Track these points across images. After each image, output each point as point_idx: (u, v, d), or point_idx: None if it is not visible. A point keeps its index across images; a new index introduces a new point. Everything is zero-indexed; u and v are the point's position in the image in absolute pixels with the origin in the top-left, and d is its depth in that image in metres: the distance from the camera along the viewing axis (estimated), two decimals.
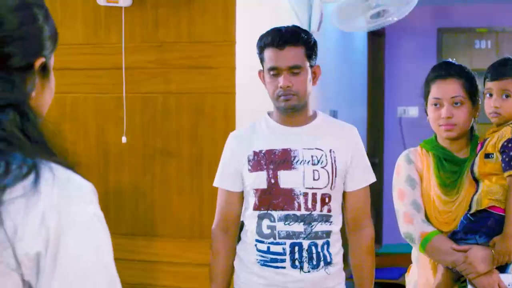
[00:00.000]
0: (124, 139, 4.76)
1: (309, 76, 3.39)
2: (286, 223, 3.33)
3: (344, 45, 7.97)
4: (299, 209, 3.34)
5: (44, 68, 1.57)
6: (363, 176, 3.51)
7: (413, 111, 9.41)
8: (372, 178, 3.56)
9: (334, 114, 6.94)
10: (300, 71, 3.35)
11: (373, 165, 3.82)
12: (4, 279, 1.32)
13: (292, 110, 3.40)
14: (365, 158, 3.54)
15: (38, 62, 1.55)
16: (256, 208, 3.41)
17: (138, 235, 4.84)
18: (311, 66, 3.41)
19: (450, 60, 3.59)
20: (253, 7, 4.90)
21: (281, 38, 3.34)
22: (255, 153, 3.43)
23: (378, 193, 9.01)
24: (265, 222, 3.38)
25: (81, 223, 1.45)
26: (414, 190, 3.46)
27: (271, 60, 3.35)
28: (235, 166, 3.48)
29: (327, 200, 3.38)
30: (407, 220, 3.42)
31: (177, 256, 4.76)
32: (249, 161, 3.43)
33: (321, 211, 3.37)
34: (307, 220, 3.35)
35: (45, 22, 1.57)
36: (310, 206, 3.35)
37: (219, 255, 3.57)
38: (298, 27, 3.47)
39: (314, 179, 3.35)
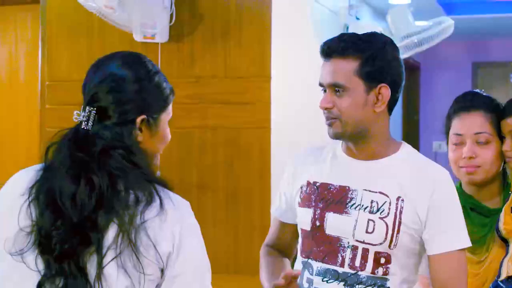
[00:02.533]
0: (158, 174, 4.77)
1: (363, 99, 2.52)
2: (324, 279, 2.57)
3: None
4: (342, 265, 2.55)
5: (148, 122, 2.07)
6: (446, 237, 2.54)
7: None
8: (463, 243, 2.54)
9: None
10: (342, 90, 2.52)
11: None
12: (149, 269, 1.93)
13: (341, 139, 2.62)
14: (454, 214, 2.57)
15: (139, 119, 2.05)
16: (301, 253, 2.69)
17: None
18: (370, 86, 2.52)
19: (477, 91, 3.05)
20: (288, 40, 4.93)
21: (329, 46, 2.56)
22: (308, 184, 2.67)
23: None
24: (305, 274, 2.63)
25: (194, 230, 2.08)
26: None
27: (320, 74, 2.61)
28: (289, 194, 2.75)
29: (382, 260, 2.53)
30: (423, 284, 2.75)
31: None
32: (301, 192, 2.69)
33: (372, 273, 2.52)
34: (349, 281, 2.54)
35: (150, 90, 2.11)
36: (357, 264, 2.53)
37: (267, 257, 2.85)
38: (368, 34, 2.61)
39: (367, 231, 2.53)
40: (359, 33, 2.60)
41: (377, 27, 5.29)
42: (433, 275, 2.56)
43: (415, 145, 9.57)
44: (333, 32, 4.43)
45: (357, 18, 5.77)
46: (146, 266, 1.93)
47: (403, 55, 5.41)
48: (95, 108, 2.01)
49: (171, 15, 4.78)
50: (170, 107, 2.19)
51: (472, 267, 2.73)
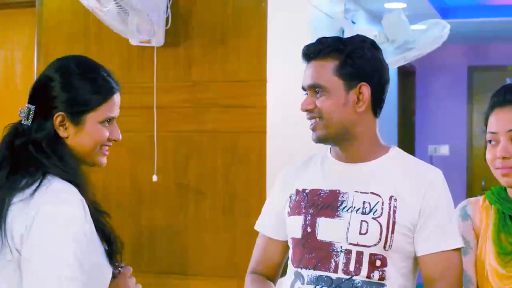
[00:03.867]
0: (155, 178, 4.80)
1: (343, 99, 2.49)
2: (317, 287, 2.46)
3: None
4: (335, 270, 2.44)
5: (71, 119, 2.21)
6: (437, 236, 2.47)
7: (444, 150, 9.38)
8: (454, 243, 2.48)
9: None
10: (322, 91, 2.50)
11: None
12: (7, 248, 2.06)
13: (325, 142, 2.57)
14: (446, 214, 2.50)
15: (55, 117, 2.20)
16: (292, 262, 2.58)
17: (171, 274, 4.83)
18: (349, 86, 2.50)
19: None
20: (285, 45, 4.94)
21: (309, 49, 2.57)
22: (297, 192, 2.60)
23: None
24: (296, 284, 2.52)
25: (51, 218, 2.06)
26: (465, 257, 2.57)
27: (303, 77, 2.59)
28: (279, 206, 2.67)
29: (378, 263, 2.44)
30: None
31: None
32: (290, 201, 2.62)
33: (368, 277, 2.43)
34: (343, 287, 2.43)
35: (62, 91, 2.22)
36: (351, 268, 2.43)
37: None
38: (349, 37, 2.62)
39: (360, 233, 2.44)
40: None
41: (373, 31, 5.30)
42: (424, 277, 2.50)
43: (411, 148, 9.57)
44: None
45: (353, 22, 5.77)
46: (5, 246, 2.07)
47: (400, 64, 5.42)
48: (33, 105, 2.24)
49: (167, 19, 4.78)
50: (105, 107, 2.30)
51: (502, 281, 2.48)
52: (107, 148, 2.34)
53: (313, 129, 2.53)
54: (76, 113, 2.22)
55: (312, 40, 2.59)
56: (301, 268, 2.50)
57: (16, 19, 5.80)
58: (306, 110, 2.53)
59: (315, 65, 2.53)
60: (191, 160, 4.82)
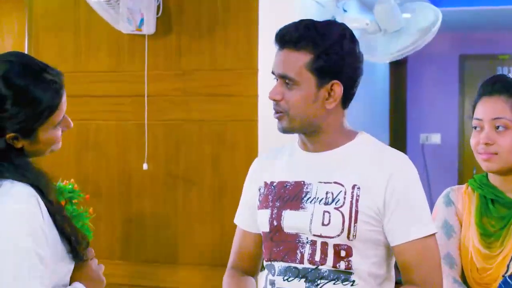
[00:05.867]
0: (145, 166, 4.79)
1: (313, 95, 2.40)
2: (285, 278, 2.44)
3: (366, 73, 7.96)
4: (301, 261, 2.42)
5: (26, 136, 2.16)
6: (407, 225, 2.38)
7: (435, 138, 9.39)
8: (426, 230, 2.39)
9: None
10: (292, 83, 2.40)
11: None
12: None
13: (291, 133, 2.49)
14: (413, 201, 2.42)
15: (7, 137, 2.15)
16: (264, 256, 2.57)
17: (160, 263, 4.83)
18: (321, 82, 2.39)
19: (503, 74, 2.83)
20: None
21: (283, 35, 2.42)
22: (265, 185, 2.56)
23: None
24: (268, 276, 2.51)
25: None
26: (449, 240, 2.67)
27: (274, 61, 2.47)
28: (250, 200, 2.63)
29: (343, 253, 2.39)
30: None
31: (199, 284, 4.76)
32: (259, 194, 2.58)
33: (334, 266, 2.38)
34: (310, 276, 2.41)
35: (16, 108, 2.13)
36: (317, 258, 2.40)
37: None
38: (326, 24, 2.45)
39: (323, 224, 2.39)
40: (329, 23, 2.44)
41: (364, 20, 5.29)
42: (400, 266, 2.42)
43: (402, 137, 9.59)
44: None
45: (345, 11, 5.76)
46: None
47: (396, 58, 5.40)
48: None
49: (158, 7, 4.77)
50: (55, 114, 2.20)
51: (485, 261, 2.60)
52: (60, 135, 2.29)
53: (278, 119, 2.44)
54: (27, 131, 2.18)
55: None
56: (272, 261, 2.48)
57: (6, 7, 5.78)
58: (274, 100, 2.43)
59: (287, 54, 2.40)
60: (181, 148, 4.81)
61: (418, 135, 9.60)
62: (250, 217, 2.62)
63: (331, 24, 2.45)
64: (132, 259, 4.84)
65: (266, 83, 4.67)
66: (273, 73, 2.45)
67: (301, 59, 2.37)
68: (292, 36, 2.38)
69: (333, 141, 2.47)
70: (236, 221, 2.73)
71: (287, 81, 2.39)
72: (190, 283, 4.78)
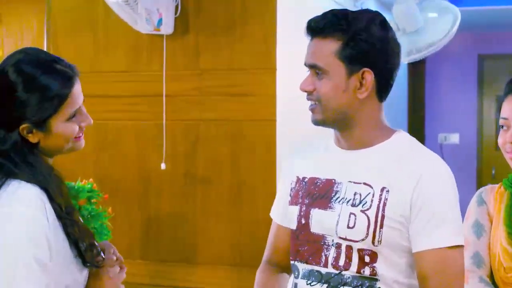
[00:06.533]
0: (163, 166, 4.80)
1: (343, 84, 2.31)
2: (308, 282, 2.35)
3: None
4: (325, 265, 2.32)
5: (39, 127, 2.16)
6: (430, 232, 2.23)
7: (454, 138, 9.35)
8: (449, 240, 2.23)
9: None
10: (322, 73, 2.32)
11: None
12: None
13: (324, 125, 2.40)
14: (443, 207, 2.26)
15: (21, 128, 2.16)
16: (290, 255, 2.48)
17: (177, 262, 4.84)
18: (351, 70, 2.30)
19: None
20: (294, 32, 4.92)
21: (311, 24, 2.37)
22: (297, 180, 2.47)
23: None
24: (292, 278, 2.44)
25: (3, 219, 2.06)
26: (479, 240, 2.61)
27: (306, 53, 2.41)
28: (284, 194, 2.55)
29: (367, 259, 2.27)
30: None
31: (217, 284, 4.76)
32: (291, 189, 2.49)
33: (358, 272, 2.27)
34: (333, 282, 2.30)
35: (26, 95, 2.14)
36: (341, 263, 2.29)
37: None
38: (358, 12, 2.36)
39: (348, 227, 2.28)
40: None
41: None
42: (417, 275, 2.28)
43: (421, 137, 9.55)
44: None
45: None
46: None
47: (415, 59, 5.35)
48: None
49: (176, 7, 4.77)
50: (67, 104, 2.20)
51: None
52: (81, 133, 2.28)
53: (311, 111, 2.37)
54: (39, 122, 2.17)
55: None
56: (297, 261, 2.40)
57: (26, 7, 5.80)
58: (305, 91, 2.37)
59: (316, 43, 2.33)
60: (199, 148, 4.81)
61: (436, 135, 9.57)
62: (284, 211, 2.52)
63: (362, 12, 2.37)
64: (151, 259, 4.85)
65: (284, 82, 4.68)
66: (305, 64, 2.38)
67: (329, 47, 2.29)
68: (319, 24, 2.32)
69: (368, 138, 2.37)
70: (271, 215, 2.63)
71: (317, 71, 2.32)
72: (210, 283, 4.78)
